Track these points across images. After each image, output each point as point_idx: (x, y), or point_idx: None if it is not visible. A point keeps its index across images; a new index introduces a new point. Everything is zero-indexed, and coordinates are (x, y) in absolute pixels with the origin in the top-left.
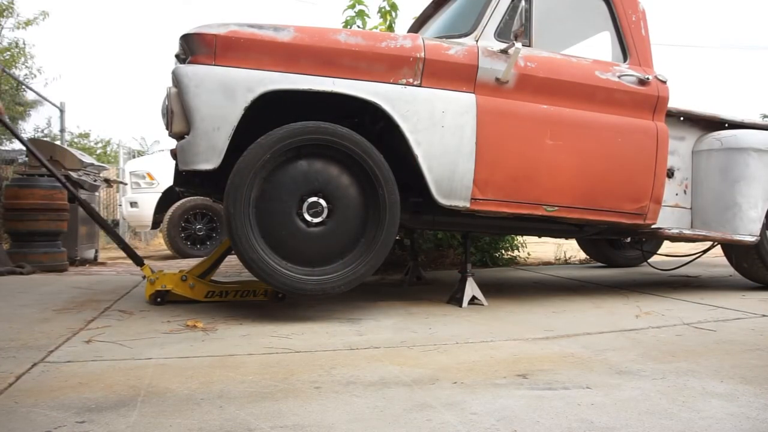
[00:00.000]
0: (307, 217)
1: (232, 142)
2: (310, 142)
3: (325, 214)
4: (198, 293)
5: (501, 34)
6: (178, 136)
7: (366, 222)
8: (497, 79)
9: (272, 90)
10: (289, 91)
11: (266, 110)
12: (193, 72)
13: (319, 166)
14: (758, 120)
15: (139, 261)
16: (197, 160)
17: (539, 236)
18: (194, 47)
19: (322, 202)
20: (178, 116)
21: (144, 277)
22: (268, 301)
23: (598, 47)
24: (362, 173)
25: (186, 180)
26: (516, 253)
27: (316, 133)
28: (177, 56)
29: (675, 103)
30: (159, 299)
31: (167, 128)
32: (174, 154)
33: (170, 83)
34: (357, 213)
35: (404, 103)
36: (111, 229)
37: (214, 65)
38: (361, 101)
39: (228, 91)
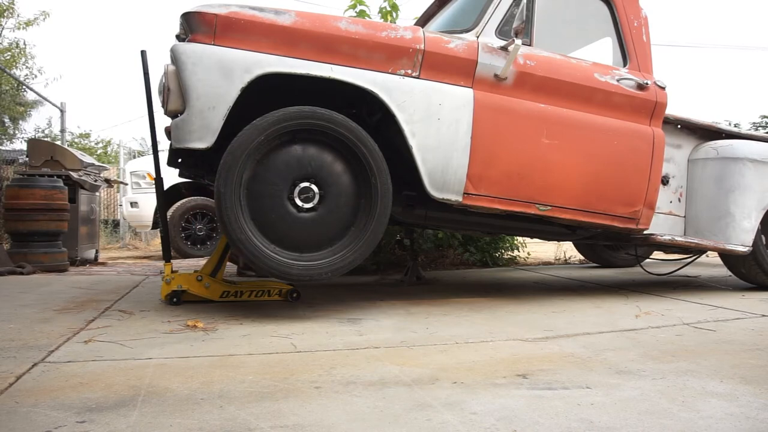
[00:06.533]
0: (298, 202)
1: (228, 127)
2: (305, 126)
3: (316, 200)
4: (213, 293)
5: (502, 32)
6: (173, 114)
7: (357, 210)
8: (496, 76)
9: (270, 72)
10: (287, 75)
11: (264, 99)
12: (192, 50)
13: (313, 152)
14: (755, 132)
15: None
16: (191, 139)
17: (531, 237)
18: (194, 26)
19: (314, 187)
20: (174, 94)
21: (161, 274)
22: (280, 301)
23: (599, 54)
24: (356, 161)
25: (180, 160)
26: (516, 253)
27: (311, 118)
28: (177, 36)
29: (674, 106)
30: (175, 299)
31: (163, 106)
32: (168, 132)
33: (168, 61)
34: (348, 201)
35: (401, 94)
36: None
37: (213, 45)
38: (358, 89)
39: (225, 71)
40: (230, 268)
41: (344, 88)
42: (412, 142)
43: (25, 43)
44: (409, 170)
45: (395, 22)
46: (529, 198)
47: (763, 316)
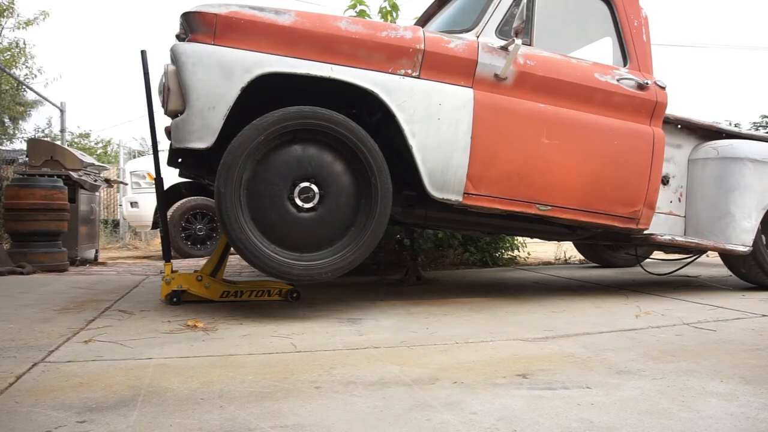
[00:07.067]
0: (298, 202)
1: (228, 127)
2: (305, 126)
3: (316, 200)
4: (213, 293)
5: (502, 32)
6: (173, 114)
7: (357, 210)
8: (496, 75)
9: (270, 72)
10: (287, 75)
11: (264, 99)
12: (192, 50)
13: (313, 152)
14: (755, 131)
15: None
16: (191, 139)
17: (531, 237)
18: (194, 26)
19: (314, 187)
20: (175, 94)
21: (161, 274)
22: (280, 301)
23: (599, 54)
24: (356, 161)
25: (180, 160)
26: (516, 253)
27: (311, 117)
28: (177, 36)
29: (674, 106)
30: (175, 299)
31: (163, 106)
32: (168, 131)
33: (168, 60)
34: (348, 201)
35: (401, 94)
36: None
37: (213, 44)
38: (358, 89)
39: (225, 71)
40: (230, 268)
41: (344, 88)
42: (412, 142)
43: (25, 43)
44: (409, 170)
45: (395, 22)
46: (529, 198)
47: (764, 316)
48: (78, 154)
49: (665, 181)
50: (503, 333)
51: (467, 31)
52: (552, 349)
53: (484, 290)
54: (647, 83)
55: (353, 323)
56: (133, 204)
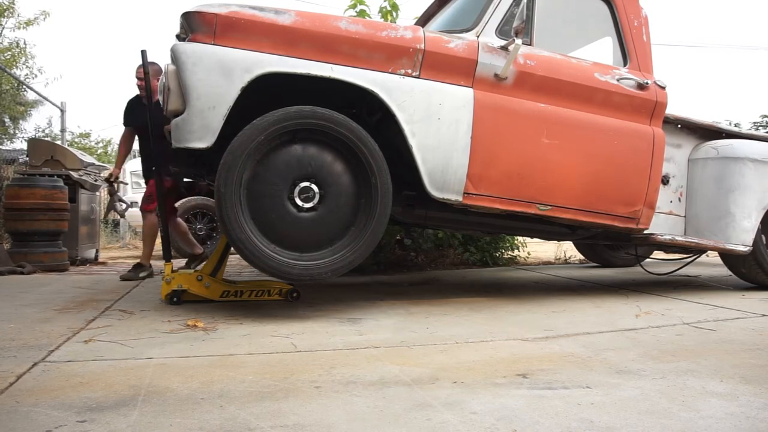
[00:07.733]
0: (299, 202)
1: (228, 127)
2: (305, 126)
3: (316, 200)
4: (213, 293)
5: (502, 31)
6: (174, 114)
7: (357, 210)
8: (496, 75)
9: (270, 72)
10: (287, 75)
11: (264, 100)
12: (192, 50)
13: (314, 152)
14: (755, 131)
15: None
16: (191, 138)
17: (531, 237)
18: (194, 25)
19: (314, 187)
20: (175, 94)
21: (161, 274)
22: (280, 301)
23: (599, 54)
24: (356, 161)
25: (180, 160)
26: (516, 252)
27: (311, 117)
28: (178, 36)
29: (674, 106)
30: (175, 299)
31: (163, 106)
32: (168, 131)
33: (168, 60)
34: (348, 200)
35: (401, 94)
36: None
37: (213, 44)
38: (358, 89)
39: (226, 71)
40: (230, 268)
41: (344, 88)
42: (412, 141)
43: (25, 43)
44: (409, 170)
45: (395, 22)
46: (529, 198)
47: (764, 315)
48: (78, 153)
49: (665, 180)
50: (503, 333)
51: (467, 30)
52: (552, 349)
53: (484, 290)
54: (647, 83)
55: (353, 323)
56: (134, 204)
